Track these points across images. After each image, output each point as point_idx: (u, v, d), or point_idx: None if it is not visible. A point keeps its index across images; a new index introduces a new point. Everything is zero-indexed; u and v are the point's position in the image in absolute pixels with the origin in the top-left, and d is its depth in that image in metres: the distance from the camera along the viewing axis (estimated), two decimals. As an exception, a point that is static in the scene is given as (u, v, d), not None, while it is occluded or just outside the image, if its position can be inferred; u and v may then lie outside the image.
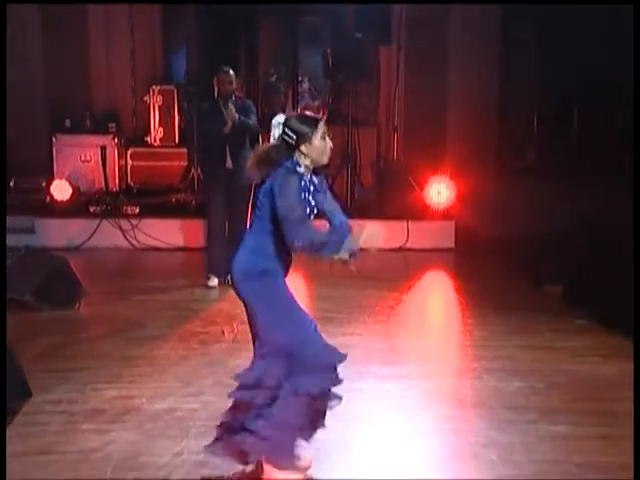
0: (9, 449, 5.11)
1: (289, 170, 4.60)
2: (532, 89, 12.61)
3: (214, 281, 9.99)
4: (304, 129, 4.66)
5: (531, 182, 11.48)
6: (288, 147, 4.67)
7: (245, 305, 4.83)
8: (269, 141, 13.90)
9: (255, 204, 4.79)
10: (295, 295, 4.75)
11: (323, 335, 4.77)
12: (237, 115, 9.48)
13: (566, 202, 10.10)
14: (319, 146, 4.68)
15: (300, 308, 4.78)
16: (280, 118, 4.67)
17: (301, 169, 4.65)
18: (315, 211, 4.77)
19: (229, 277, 4.81)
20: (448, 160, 13.57)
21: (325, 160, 4.79)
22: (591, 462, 4.97)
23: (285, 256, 4.70)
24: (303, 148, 4.65)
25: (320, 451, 5.24)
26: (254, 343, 4.96)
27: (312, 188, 4.74)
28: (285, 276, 4.75)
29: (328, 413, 5.29)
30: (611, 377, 6.88)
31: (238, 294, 4.79)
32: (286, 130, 4.68)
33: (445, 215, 13.04)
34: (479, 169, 12.84)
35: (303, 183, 4.64)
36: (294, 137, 4.64)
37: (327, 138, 4.74)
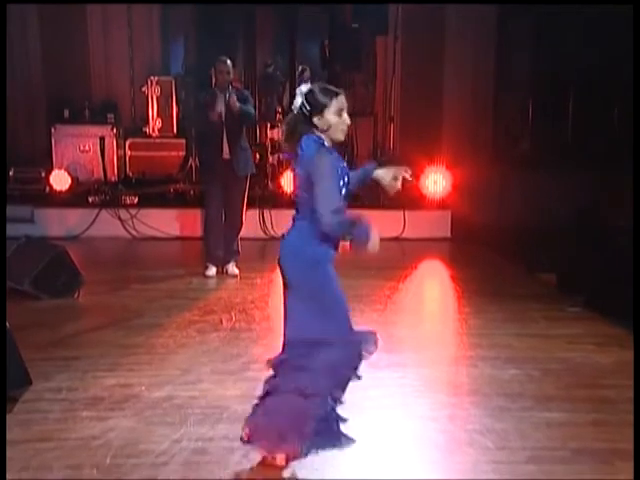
0: (10, 436, 5.17)
1: (318, 144, 4.53)
2: (527, 79, 12.63)
3: (212, 270, 10.04)
4: (319, 100, 4.49)
5: (526, 172, 11.52)
6: (305, 118, 4.54)
7: (285, 286, 4.84)
8: (266, 131, 13.98)
9: (296, 183, 4.68)
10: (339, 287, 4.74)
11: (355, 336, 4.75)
12: (238, 105, 9.51)
13: (561, 191, 10.14)
14: (332, 121, 4.51)
15: (338, 303, 4.73)
16: (304, 87, 4.50)
17: (326, 144, 4.57)
18: (346, 190, 4.61)
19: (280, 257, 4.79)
20: (444, 150, 13.60)
21: (340, 137, 4.61)
22: (586, 448, 5.01)
23: (333, 241, 4.64)
24: (316, 120, 4.50)
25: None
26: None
27: (343, 165, 4.59)
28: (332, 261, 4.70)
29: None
30: (605, 364, 6.92)
31: (282, 273, 4.81)
32: (303, 100, 4.54)
33: (441, 205, 13.08)
34: (475, 159, 12.86)
35: (334, 159, 4.53)
36: (308, 107, 4.51)
37: (344, 114, 4.56)
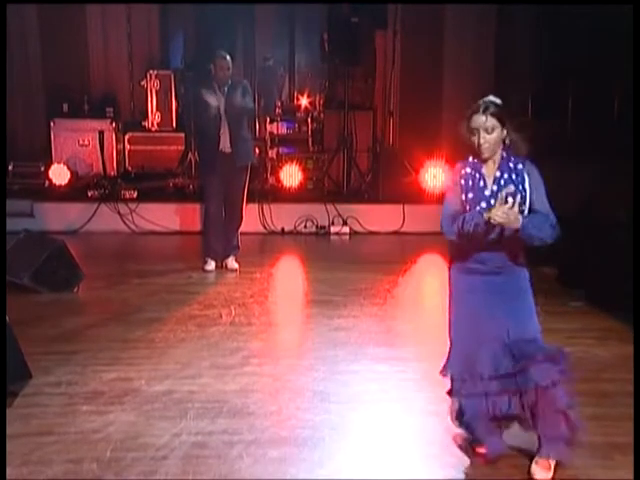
0: (10, 430, 5.18)
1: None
2: (527, 73, 12.63)
3: (211, 265, 10.04)
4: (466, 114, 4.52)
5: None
6: None
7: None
8: (266, 125, 13.98)
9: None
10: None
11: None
12: (239, 100, 9.52)
13: (561, 184, 10.12)
14: (468, 138, 4.56)
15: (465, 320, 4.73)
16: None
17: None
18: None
19: None
20: (443, 144, 13.58)
21: (481, 155, 4.58)
22: (585, 442, 5.01)
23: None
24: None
25: (317, 431, 5.33)
26: None
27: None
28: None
29: (325, 395, 5.38)
30: (605, 358, 6.93)
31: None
32: None
33: (441, 199, 13.05)
34: (475, 153, 12.82)
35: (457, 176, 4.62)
36: None
37: (479, 134, 4.52)
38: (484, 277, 4.64)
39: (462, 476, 4.80)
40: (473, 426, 4.80)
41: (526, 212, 4.43)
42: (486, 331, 4.63)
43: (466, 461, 4.91)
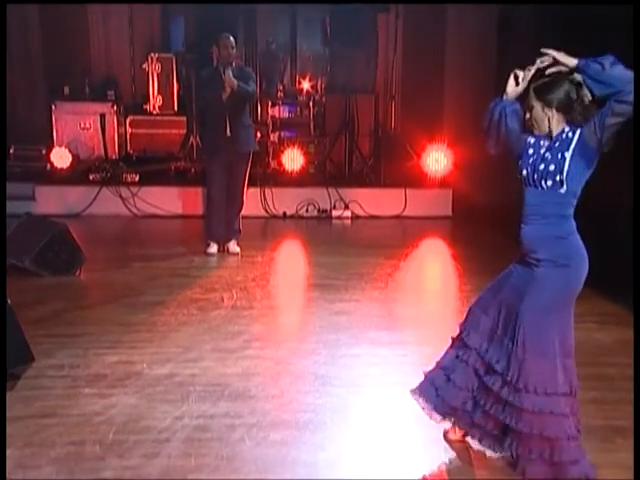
0: (12, 413, 5.21)
1: None
2: (529, 58, 12.60)
3: (213, 248, 10.06)
4: None
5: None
6: None
7: None
8: (267, 109, 13.96)
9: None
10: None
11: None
12: (236, 82, 9.44)
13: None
14: None
15: None
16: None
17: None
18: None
19: None
20: (445, 128, 13.60)
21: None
22: (585, 425, 5.01)
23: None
24: None
25: (319, 414, 5.37)
26: None
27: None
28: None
29: (326, 378, 5.40)
30: (605, 343, 6.97)
31: None
32: None
33: (442, 183, 13.08)
34: (476, 137, 12.82)
35: None
36: None
37: (527, 112, 4.50)
38: None
39: (464, 459, 4.83)
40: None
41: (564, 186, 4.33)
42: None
43: (466, 444, 4.93)
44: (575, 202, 4.37)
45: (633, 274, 7.62)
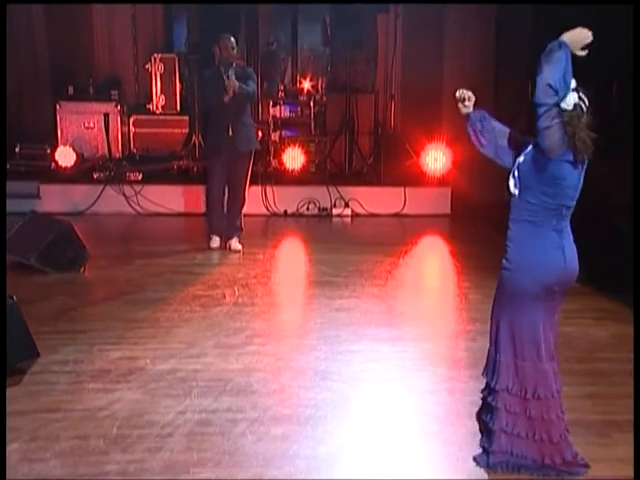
0: (18, 407, 5.31)
1: None
2: (527, 56, 12.66)
3: (216, 241, 10.11)
4: None
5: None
6: None
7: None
8: (269, 109, 14.02)
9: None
10: None
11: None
12: (237, 83, 9.50)
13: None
14: None
15: None
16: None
17: None
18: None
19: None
20: (444, 127, 13.62)
21: None
22: (581, 420, 5.10)
23: None
24: None
25: (319, 409, 5.45)
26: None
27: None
28: None
29: (327, 374, 5.49)
30: (602, 338, 7.04)
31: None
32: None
33: (441, 181, 13.09)
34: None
35: None
36: None
37: None
38: None
39: (463, 454, 4.88)
40: None
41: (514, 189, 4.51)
42: None
43: (467, 439, 5.00)
44: (535, 208, 4.47)
45: (633, 271, 7.66)
